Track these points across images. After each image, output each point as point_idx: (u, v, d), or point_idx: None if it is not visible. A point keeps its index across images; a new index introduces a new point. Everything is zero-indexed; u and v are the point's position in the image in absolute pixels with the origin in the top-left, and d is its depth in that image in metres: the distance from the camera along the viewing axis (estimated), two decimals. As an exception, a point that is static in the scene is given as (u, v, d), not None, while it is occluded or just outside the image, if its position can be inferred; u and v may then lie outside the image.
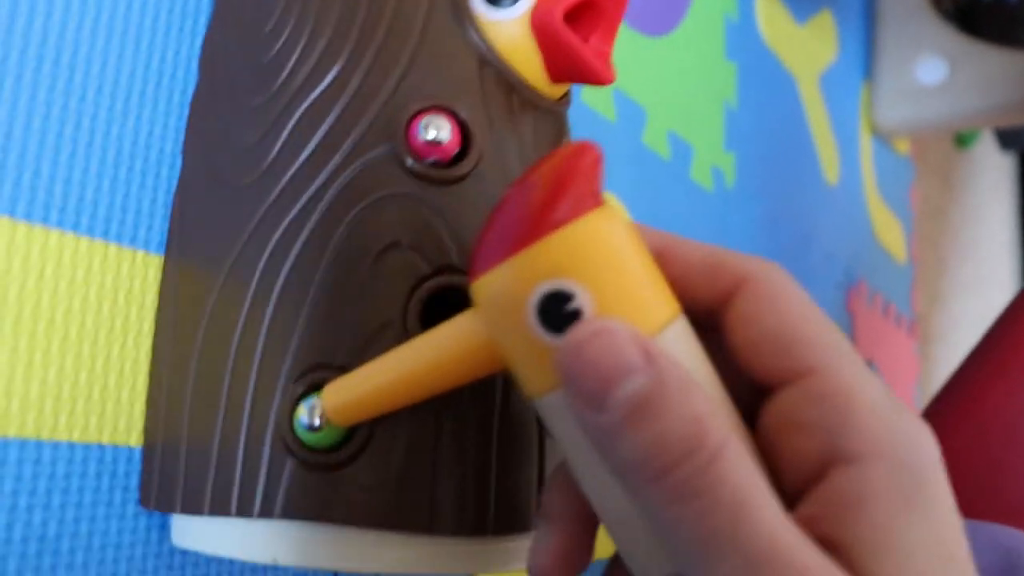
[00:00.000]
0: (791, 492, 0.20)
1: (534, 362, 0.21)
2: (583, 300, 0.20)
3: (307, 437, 0.25)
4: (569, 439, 0.21)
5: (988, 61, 0.93)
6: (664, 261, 0.23)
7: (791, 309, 0.21)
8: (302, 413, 0.25)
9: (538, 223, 0.20)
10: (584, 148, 0.21)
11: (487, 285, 0.21)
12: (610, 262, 0.20)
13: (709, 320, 0.23)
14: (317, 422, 0.25)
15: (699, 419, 0.18)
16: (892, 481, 0.19)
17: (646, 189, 0.54)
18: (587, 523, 0.24)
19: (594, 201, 0.20)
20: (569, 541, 0.24)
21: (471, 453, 0.27)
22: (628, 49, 0.55)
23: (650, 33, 0.57)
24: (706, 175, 0.62)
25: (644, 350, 0.19)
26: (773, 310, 0.21)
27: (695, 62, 0.62)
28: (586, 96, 0.50)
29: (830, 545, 0.19)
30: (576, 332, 0.19)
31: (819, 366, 0.20)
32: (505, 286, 0.20)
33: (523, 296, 0.20)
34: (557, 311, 0.20)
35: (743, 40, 0.69)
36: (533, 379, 0.21)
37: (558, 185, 0.20)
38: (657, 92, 0.57)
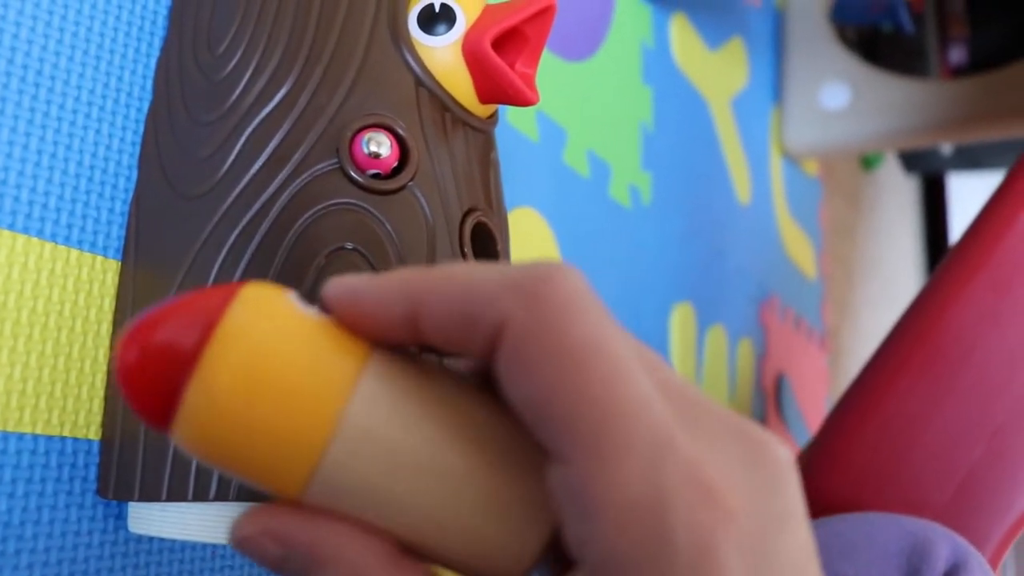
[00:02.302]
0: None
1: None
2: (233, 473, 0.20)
3: None
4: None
5: (889, 88, 0.99)
6: (421, 328, 0.20)
7: (546, 374, 0.18)
8: None
9: (159, 413, 0.19)
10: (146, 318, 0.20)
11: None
12: (230, 441, 0.19)
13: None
14: None
15: None
16: None
17: (566, 206, 0.58)
18: None
19: (191, 353, 0.19)
20: None
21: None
22: (550, 73, 0.58)
23: (571, 58, 0.61)
24: (624, 193, 0.65)
25: (280, 541, 0.20)
26: (524, 375, 0.18)
27: (613, 86, 0.66)
28: (511, 117, 0.53)
29: None
30: (230, 537, 0.21)
31: (571, 456, 0.18)
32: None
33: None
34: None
35: (658, 65, 0.74)
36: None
37: (142, 369, 0.19)
38: (577, 114, 0.60)
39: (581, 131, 0.61)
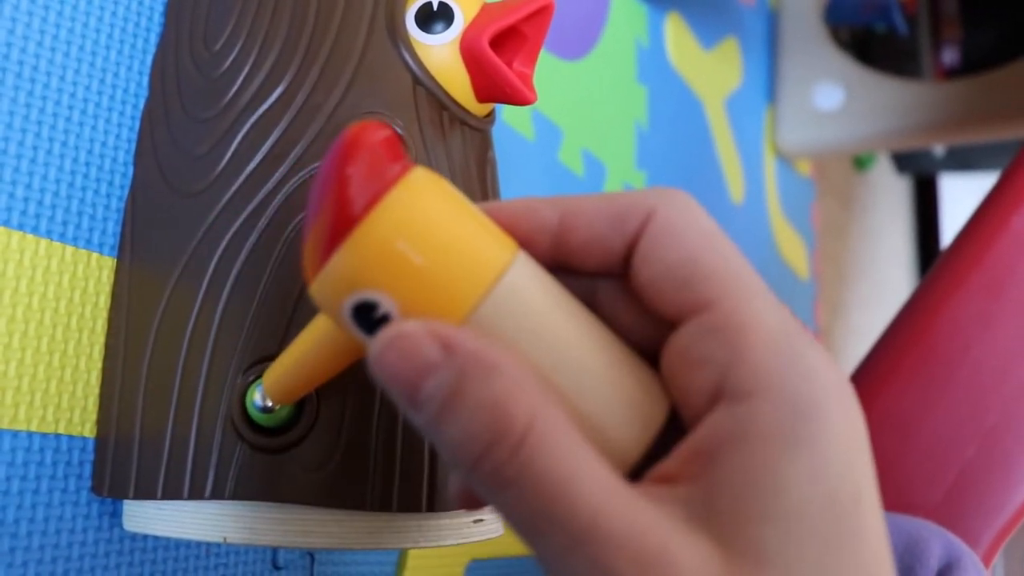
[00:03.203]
0: (691, 429, 0.20)
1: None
2: (387, 305, 0.20)
3: (261, 418, 0.28)
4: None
5: (882, 89, 0.99)
6: (569, 230, 0.22)
7: (691, 241, 0.21)
8: (256, 396, 0.27)
9: (333, 229, 0.20)
10: (363, 131, 0.20)
11: (315, 293, 0.21)
12: (408, 257, 0.20)
13: (618, 270, 0.22)
14: (269, 403, 0.27)
15: (498, 405, 0.18)
16: (773, 417, 0.18)
17: (564, 203, 0.58)
18: None
19: (383, 183, 0.20)
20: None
21: (405, 439, 0.29)
22: (546, 72, 0.58)
23: (566, 57, 0.61)
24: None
25: (443, 344, 0.19)
26: (673, 244, 0.21)
27: (608, 85, 0.66)
28: (507, 115, 0.53)
29: (694, 492, 0.19)
30: (376, 343, 0.19)
31: (717, 298, 0.20)
32: (322, 299, 0.21)
33: (337, 310, 0.21)
34: (368, 319, 0.20)
35: (653, 65, 0.74)
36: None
37: (341, 182, 0.20)
38: (572, 113, 0.60)
39: (576, 130, 0.61)
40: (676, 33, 0.79)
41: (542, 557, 0.19)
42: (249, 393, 0.28)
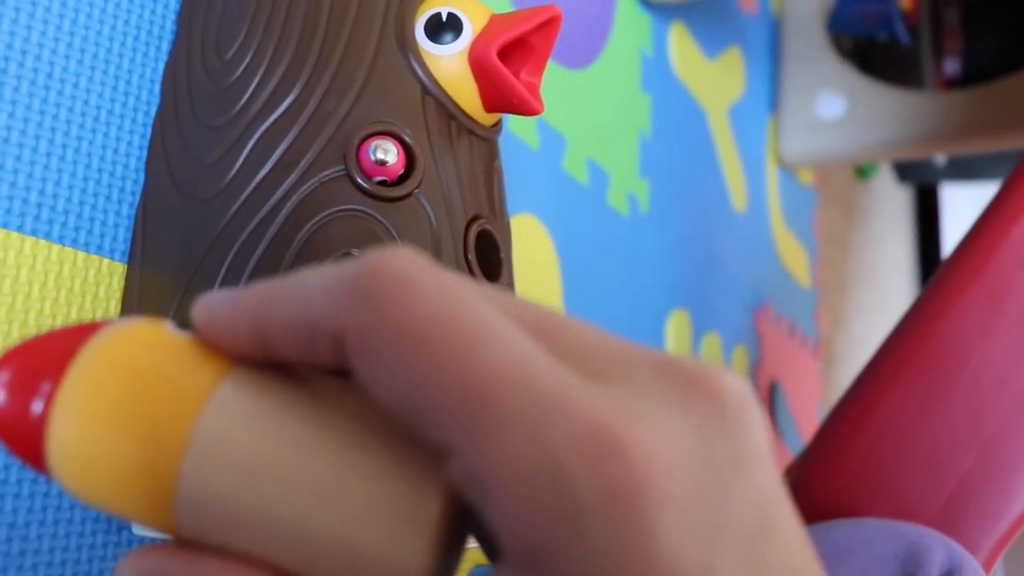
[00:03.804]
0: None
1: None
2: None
3: None
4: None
5: (884, 99, 0.99)
6: (267, 342, 0.19)
7: (393, 363, 0.16)
8: None
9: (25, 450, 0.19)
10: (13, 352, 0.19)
11: None
12: (94, 458, 0.18)
13: None
14: None
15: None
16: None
17: (566, 213, 0.58)
18: None
19: (38, 399, 0.19)
20: None
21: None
22: (551, 81, 0.58)
23: (571, 66, 0.61)
24: (622, 200, 0.66)
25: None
26: (377, 374, 0.17)
27: (612, 94, 0.66)
28: (512, 124, 0.53)
29: None
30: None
31: (453, 446, 0.16)
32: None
33: None
34: None
35: (657, 74, 0.74)
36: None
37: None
38: (577, 121, 0.61)
39: (581, 139, 0.61)
40: (680, 42, 0.79)
41: None
42: None
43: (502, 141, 0.53)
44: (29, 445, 0.19)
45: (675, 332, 0.72)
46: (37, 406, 0.18)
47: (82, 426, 0.18)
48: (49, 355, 0.19)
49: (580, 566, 0.15)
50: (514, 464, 0.15)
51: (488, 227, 0.33)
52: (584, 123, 0.62)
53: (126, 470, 0.18)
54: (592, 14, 0.65)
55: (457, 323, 0.16)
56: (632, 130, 0.69)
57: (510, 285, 0.36)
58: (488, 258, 0.34)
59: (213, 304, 0.19)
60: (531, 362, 0.16)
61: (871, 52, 1.11)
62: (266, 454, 0.18)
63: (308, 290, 0.18)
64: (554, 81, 0.59)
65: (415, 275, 0.16)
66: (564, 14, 0.61)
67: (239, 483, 0.18)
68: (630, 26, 0.70)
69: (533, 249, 0.54)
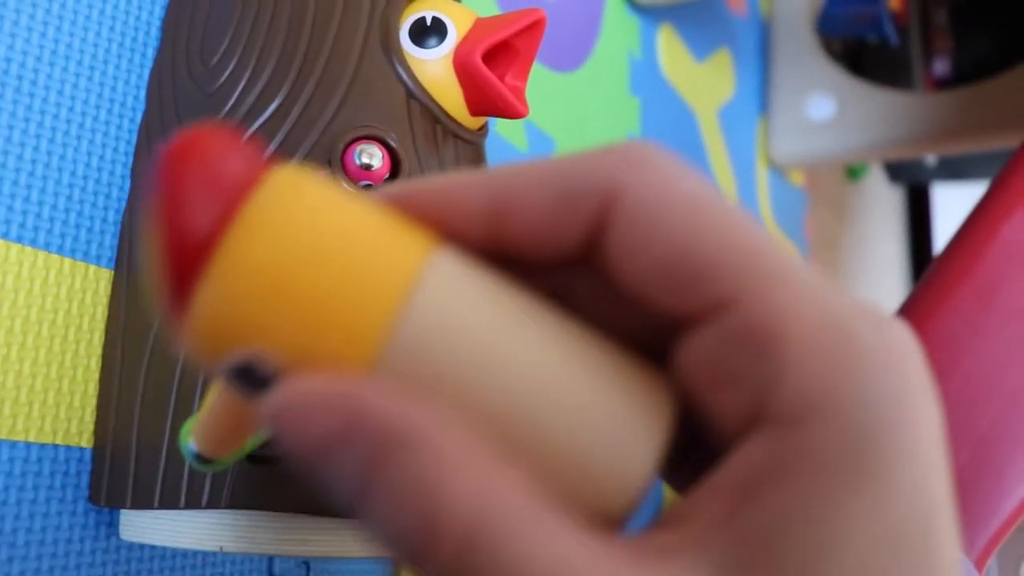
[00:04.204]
0: (718, 460, 0.16)
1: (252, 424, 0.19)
2: (271, 360, 0.15)
3: (205, 466, 0.23)
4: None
5: (874, 100, 1.00)
6: (504, 217, 0.17)
7: (682, 224, 0.16)
8: (191, 442, 0.21)
9: (178, 274, 0.15)
10: (194, 134, 0.15)
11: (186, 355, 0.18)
12: (287, 290, 0.15)
13: (587, 260, 0.17)
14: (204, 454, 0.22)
15: (426, 494, 0.14)
16: (830, 447, 0.14)
17: (557, 214, 0.58)
18: None
19: (235, 193, 0.15)
20: None
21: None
22: (538, 83, 0.59)
23: (559, 69, 0.61)
24: (613, 202, 0.66)
25: (346, 414, 0.15)
26: (658, 233, 0.16)
27: (601, 96, 0.66)
28: (499, 127, 0.53)
29: (720, 544, 0.14)
30: (264, 416, 0.15)
31: (734, 296, 0.15)
32: (195, 359, 0.16)
33: (213, 373, 0.16)
34: (251, 379, 0.16)
35: (646, 76, 0.74)
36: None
37: (174, 204, 0.15)
38: (565, 124, 0.61)
39: (569, 141, 0.61)
40: (668, 45, 0.79)
41: None
42: (183, 437, 0.22)
43: (490, 143, 0.53)
44: (196, 259, 0.15)
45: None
46: (239, 181, 0.15)
47: (295, 217, 0.15)
48: (243, 163, 0.16)
49: (864, 414, 0.14)
50: (802, 310, 0.15)
51: (474, 230, 0.33)
52: (573, 126, 0.62)
53: (334, 291, 0.15)
54: (580, 17, 0.65)
55: (726, 228, 0.16)
56: (621, 132, 0.69)
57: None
58: (475, 261, 0.34)
59: (424, 181, 0.17)
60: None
61: (861, 53, 1.11)
62: (496, 326, 0.16)
63: (568, 159, 0.17)
64: (542, 84, 0.59)
65: (678, 158, 0.17)
66: (552, 17, 0.61)
67: (465, 353, 0.15)
68: (618, 29, 0.70)
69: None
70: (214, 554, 0.35)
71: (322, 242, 0.15)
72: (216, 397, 0.19)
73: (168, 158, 0.15)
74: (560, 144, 0.60)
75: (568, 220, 0.16)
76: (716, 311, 0.16)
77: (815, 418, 0.14)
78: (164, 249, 0.15)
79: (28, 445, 0.30)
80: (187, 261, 0.15)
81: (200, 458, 0.21)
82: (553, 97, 0.60)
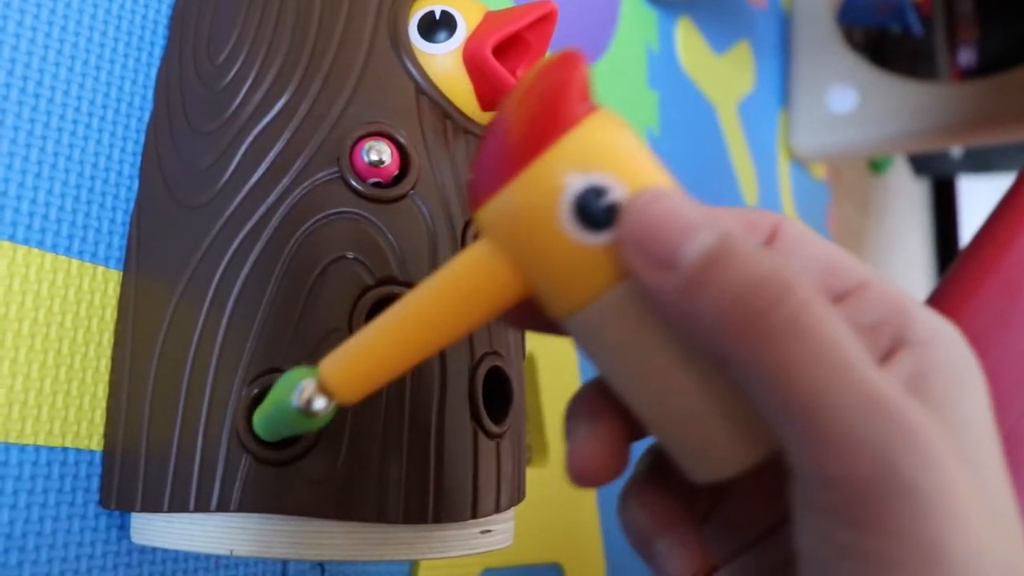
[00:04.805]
0: None
1: (573, 269, 0.20)
2: (618, 192, 0.19)
3: (306, 424, 0.23)
4: (618, 343, 0.20)
5: (897, 91, 0.98)
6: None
7: (821, 244, 0.22)
8: (305, 395, 0.22)
9: (550, 127, 0.19)
10: (572, 56, 0.20)
11: (502, 205, 0.20)
12: (630, 153, 0.19)
13: None
14: (320, 404, 0.22)
15: (780, 267, 0.18)
16: (949, 361, 0.20)
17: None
18: (626, 428, 0.22)
19: (592, 103, 0.20)
20: (614, 442, 0.22)
21: (412, 448, 0.29)
22: (555, 79, 0.58)
23: (576, 64, 0.61)
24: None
25: (703, 210, 0.19)
26: (807, 246, 0.22)
27: (619, 90, 0.66)
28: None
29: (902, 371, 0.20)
30: (634, 204, 0.19)
31: (866, 281, 0.22)
32: (528, 198, 0.19)
33: (553, 202, 0.19)
34: (594, 208, 0.19)
35: (664, 70, 0.73)
36: (573, 289, 0.20)
37: (561, 88, 0.19)
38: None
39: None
40: (687, 37, 0.78)
41: (796, 435, 0.18)
42: (293, 379, 0.22)
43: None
44: (553, 124, 0.19)
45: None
46: (581, 108, 0.19)
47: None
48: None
49: (961, 345, 0.21)
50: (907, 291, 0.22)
51: (486, 227, 0.33)
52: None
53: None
54: (596, 10, 0.64)
55: (846, 252, 0.23)
56: (640, 127, 0.68)
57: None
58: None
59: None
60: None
61: (883, 44, 1.10)
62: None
63: (745, 209, 0.23)
64: (558, 79, 0.58)
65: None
66: (567, 11, 0.60)
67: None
68: (635, 22, 0.69)
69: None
70: (227, 557, 0.35)
71: (626, 154, 0.20)
72: (383, 325, 0.21)
73: (562, 57, 0.20)
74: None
75: (756, 237, 0.23)
76: (853, 290, 0.22)
77: (937, 342, 0.20)
78: (548, 97, 0.19)
79: (37, 448, 0.29)
80: (564, 108, 0.19)
81: (310, 411, 0.22)
82: (569, 92, 0.59)
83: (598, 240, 0.19)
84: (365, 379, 0.22)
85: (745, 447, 0.20)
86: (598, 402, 0.22)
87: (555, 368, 0.54)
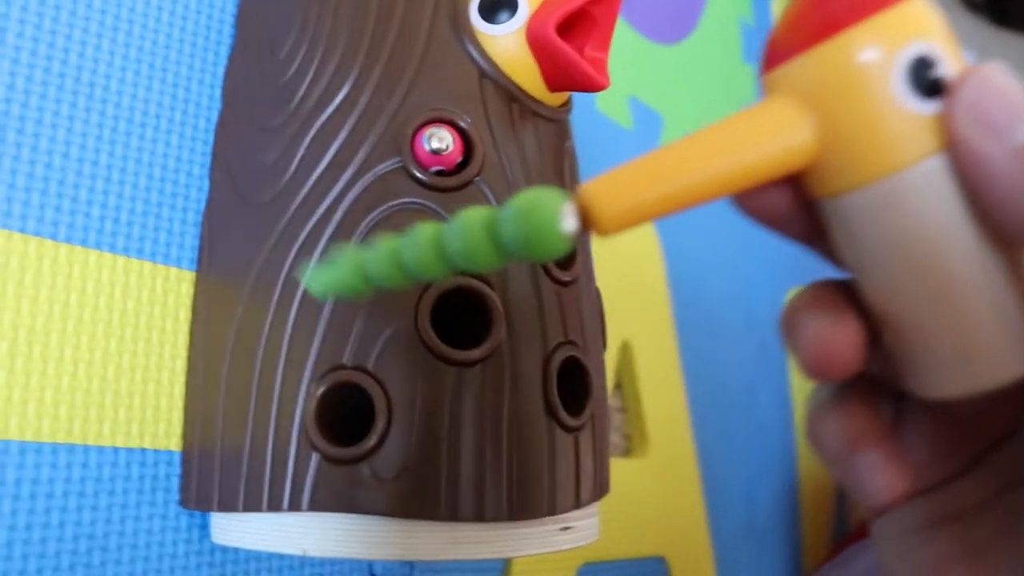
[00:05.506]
0: None
1: (889, 135, 0.19)
2: (945, 66, 0.19)
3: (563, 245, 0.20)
4: (908, 224, 0.20)
5: (1019, 51, 0.93)
6: None
7: None
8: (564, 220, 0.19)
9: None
10: None
11: (821, 62, 0.19)
12: (949, 34, 0.20)
13: None
14: (571, 225, 0.19)
15: None
16: None
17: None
18: (865, 329, 0.22)
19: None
20: (857, 336, 0.21)
21: (484, 443, 0.28)
22: (642, 57, 0.56)
23: (664, 41, 0.59)
24: (728, 177, 0.63)
25: None
26: None
27: (712, 67, 0.63)
28: (601, 104, 0.51)
29: None
30: (975, 72, 0.19)
31: None
32: (860, 58, 0.19)
33: (889, 64, 0.19)
34: (925, 76, 0.19)
35: (760, 42, 0.70)
36: (881, 156, 0.19)
37: None
38: (673, 98, 0.58)
39: (679, 116, 0.58)
40: (784, 7, 0.75)
41: None
42: (559, 202, 0.19)
43: (591, 121, 0.51)
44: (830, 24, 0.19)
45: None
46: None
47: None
48: None
49: None
50: None
51: (557, 213, 0.32)
52: (681, 99, 0.59)
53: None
54: (685, -15, 0.62)
55: None
56: (736, 103, 0.66)
57: (587, 274, 0.34)
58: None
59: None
60: None
61: (1007, 4, 1.04)
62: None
63: None
64: (645, 57, 0.57)
65: None
66: (653, -13, 0.58)
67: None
68: (728, -5, 0.67)
69: (631, 234, 0.52)
70: (313, 558, 0.35)
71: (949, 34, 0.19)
72: (657, 155, 0.20)
73: None
74: (668, 120, 0.57)
75: None
76: None
77: None
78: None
79: (116, 450, 0.30)
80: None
81: (558, 230, 0.19)
82: (658, 71, 0.58)
83: (923, 109, 0.19)
84: (626, 205, 0.20)
85: (1016, 358, 0.19)
86: (837, 298, 0.22)
87: (653, 357, 0.52)
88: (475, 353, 0.28)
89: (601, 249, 0.49)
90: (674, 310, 0.54)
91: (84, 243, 0.30)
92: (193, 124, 0.33)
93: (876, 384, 0.23)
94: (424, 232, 0.21)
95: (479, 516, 0.28)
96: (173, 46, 0.33)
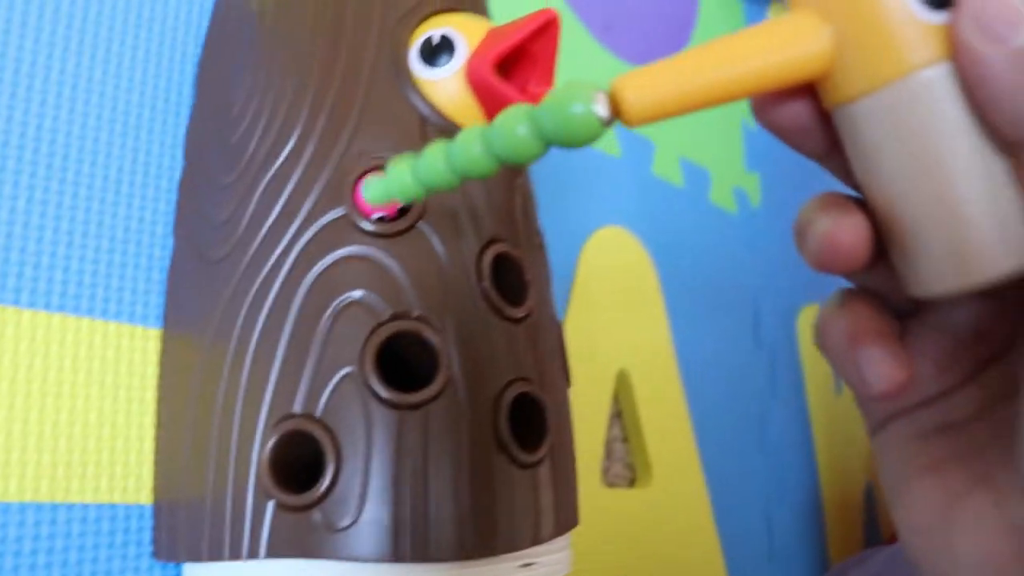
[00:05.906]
0: None
1: (901, 41, 0.21)
2: None
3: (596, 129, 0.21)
4: (912, 127, 0.21)
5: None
6: None
7: None
8: (596, 105, 0.20)
9: None
10: None
11: None
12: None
13: None
14: (603, 112, 0.20)
15: None
16: None
17: (659, 219, 0.55)
18: (873, 229, 0.23)
19: None
20: (867, 232, 0.22)
21: (432, 484, 0.29)
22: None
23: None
24: (728, 197, 0.62)
25: None
26: None
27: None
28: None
29: None
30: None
31: None
32: None
33: None
34: None
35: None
36: (891, 61, 0.21)
37: None
38: (664, 123, 0.58)
39: (670, 140, 0.58)
40: (786, 23, 0.75)
41: None
42: (581, 102, 0.20)
43: (579, 152, 0.51)
44: None
45: (809, 329, 0.67)
46: None
47: None
48: None
49: None
50: None
51: (507, 250, 0.32)
52: (673, 123, 0.59)
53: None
54: (671, 8, 0.62)
55: None
56: (733, 122, 0.65)
57: (543, 309, 0.34)
58: (509, 282, 0.32)
59: None
60: None
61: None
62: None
63: None
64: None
65: None
66: (640, 7, 0.58)
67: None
68: (719, 14, 0.67)
69: (625, 261, 0.52)
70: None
71: None
72: (687, 54, 0.21)
73: None
74: (660, 147, 0.57)
75: None
76: None
77: None
78: None
79: (85, 506, 0.30)
80: None
81: (590, 116, 0.20)
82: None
83: (932, 18, 0.20)
84: (654, 98, 0.21)
85: (1007, 254, 0.20)
86: (846, 201, 0.23)
87: (653, 385, 0.52)
88: (419, 396, 0.28)
89: (594, 282, 0.49)
90: (673, 335, 0.54)
91: (47, 308, 0.31)
92: (155, 185, 0.34)
93: (881, 298, 0.25)
94: (471, 132, 0.22)
95: (430, 556, 0.28)
96: (132, 112, 0.34)
